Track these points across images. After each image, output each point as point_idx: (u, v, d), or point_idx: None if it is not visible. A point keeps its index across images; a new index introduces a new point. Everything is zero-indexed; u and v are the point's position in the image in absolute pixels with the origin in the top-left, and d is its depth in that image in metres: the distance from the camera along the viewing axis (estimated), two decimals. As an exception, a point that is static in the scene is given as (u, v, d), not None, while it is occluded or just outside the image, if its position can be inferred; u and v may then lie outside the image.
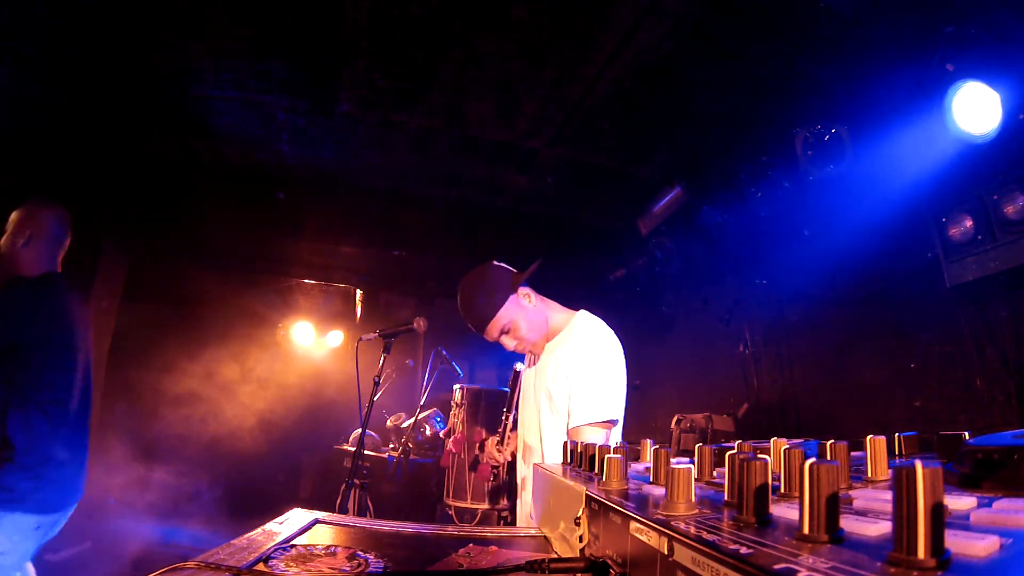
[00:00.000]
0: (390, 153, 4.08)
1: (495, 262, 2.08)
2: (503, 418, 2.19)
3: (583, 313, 2.07)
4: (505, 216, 5.02)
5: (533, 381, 2.08)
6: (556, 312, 2.09)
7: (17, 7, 2.71)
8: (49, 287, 2.29)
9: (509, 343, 2.03)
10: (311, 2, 2.68)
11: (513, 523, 2.46)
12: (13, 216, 2.34)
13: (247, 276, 5.92)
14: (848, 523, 0.42)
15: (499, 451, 2.17)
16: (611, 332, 2.00)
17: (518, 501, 2.13)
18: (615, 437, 1.92)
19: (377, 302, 6.30)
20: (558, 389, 1.92)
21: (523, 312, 2.00)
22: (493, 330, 1.99)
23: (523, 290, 2.02)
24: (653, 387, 4.84)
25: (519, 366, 2.18)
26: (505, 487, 2.74)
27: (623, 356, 1.98)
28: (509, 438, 2.18)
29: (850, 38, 2.55)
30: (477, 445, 2.70)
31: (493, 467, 2.25)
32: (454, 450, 2.71)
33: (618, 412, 1.88)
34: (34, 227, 2.33)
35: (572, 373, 1.90)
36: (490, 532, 1.16)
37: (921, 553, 0.32)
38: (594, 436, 1.82)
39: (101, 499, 4.64)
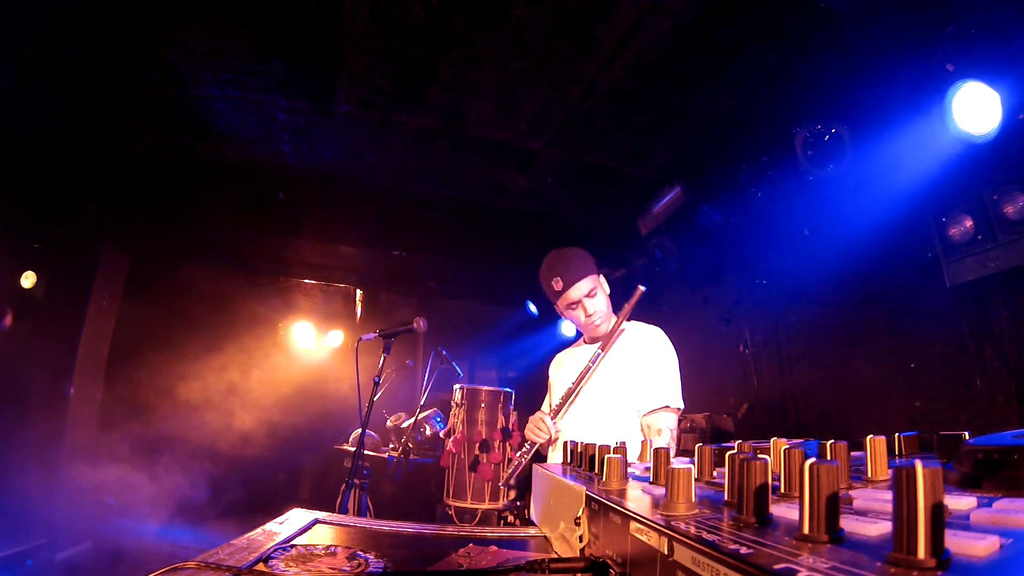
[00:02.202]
0: (390, 153, 4.08)
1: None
2: (570, 390, 2.10)
3: (637, 322, 2.21)
4: (505, 216, 5.02)
5: (595, 379, 2.10)
6: (613, 316, 2.20)
7: (17, 8, 2.71)
8: None
9: (589, 307, 2.11)
10: (311, 2, 2.68)
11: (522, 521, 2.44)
12: None
13: (247, 276, 5.92)
14: (848, 523, 0.42)
15: (552, 423, 2.08)
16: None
17: None
18: None
19: (377, 302, 6.30)
20: (622, 383, 2.07)
21: (603, 290, 2.18)
22: (583, 286, 2.09)
23: (603, 279, 2.19)
24: (653, 387, 4.83)
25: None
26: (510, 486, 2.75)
27: None
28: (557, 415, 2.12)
29: (850, 38, 2.55)
30: (477, 445, 2.71)
31: (528, 444, 2.13)
32: (454, 450, 2.71)
33: (682, 403, 2.09)
34: None
35: (642, 367, 2.06)
36: (490, 532, 1.16)
37: (921, 553, 0.32)
38: (668, 420, 2.03)
39: (101, 499, 4.65)
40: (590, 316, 2.13)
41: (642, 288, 2.04)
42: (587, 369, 2.07)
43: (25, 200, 4.16)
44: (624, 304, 2.08)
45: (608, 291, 2.20)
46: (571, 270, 2.11)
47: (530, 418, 2.16)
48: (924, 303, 2.79)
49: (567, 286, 2.11)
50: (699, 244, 4.07)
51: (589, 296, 2.12)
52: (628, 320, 2.13)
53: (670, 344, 2.17)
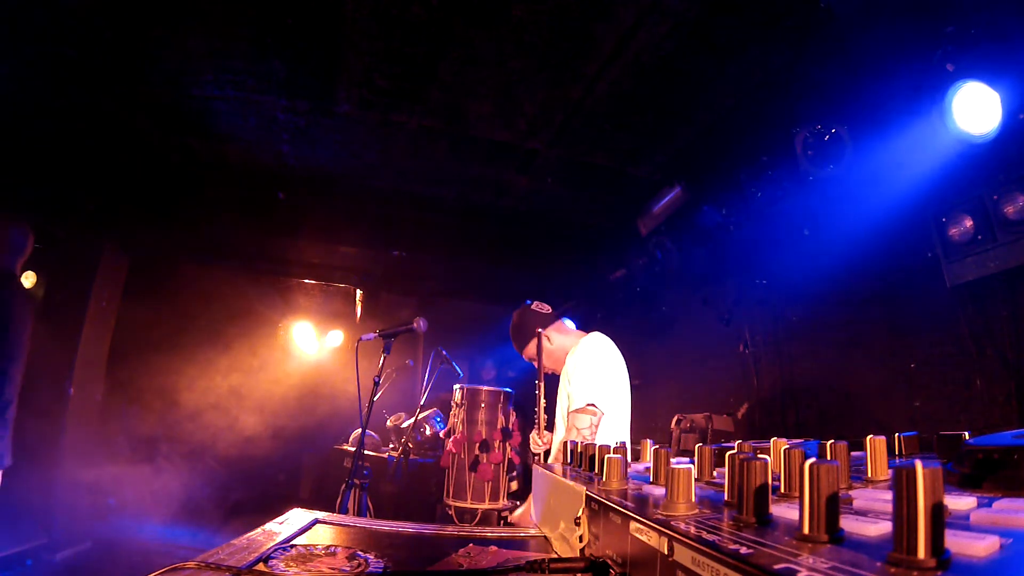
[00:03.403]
0: (390, 153, 4.08)
1: (530, 305, 2.70)
2: (536, 407, 2.58)
3: (591, 334, 2.58)
4: (505, 216, 5.03)
5: (560, 388, 2.62)
6: (571, 339, 2.63)
7: (17, 8, 2.71)
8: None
9: (536, 365, 2.60)
10: (311, 2, 2.68)
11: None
12: None
13: (247, 276, 5.92)
14: (848, 523, 0.42)
15: (539, 436, 2.52)
16: (609, 345, 2.53)
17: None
18: (615, 429, 2.40)
19: (377, 302, 6.30)
20: (564, 396, 2.47)
21: (543, 348, 2.56)
22: (524, 357, 2.69)
23: (544, 332, 2.57)
24: (653, 387, 4.84)
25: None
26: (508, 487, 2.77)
27: (619, 363, 2.51)
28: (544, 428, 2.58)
29: (850, 38, 2.55)
30: (477, 445, 2.71)
31: (534, 453, 2.61)
32: (454, 450, 2.71)
33: (601, 400, 2.34)
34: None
35: (570, 375, 2.45)
36: (490, 532, 1.16)
37: (921, 553, 0.32)
38: (581, 421, 2.30)
39: (101, 499, 4.65)
40: (539, 370, 2.61)
41: (540, 329, 2.56)
42: (537, 392, 2.56)
43: (25, 200, 4.16)
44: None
45: (555, 336, 2.63)
46: (515, 346, 2.70)
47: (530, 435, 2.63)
48: (924, 303, 2.79)
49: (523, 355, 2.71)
50: (699, 244, 4.07)
51: (532, 360, 2.61)
52: (589, 333, 2.61)
53: (593, 349, 2.50)
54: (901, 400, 2.86)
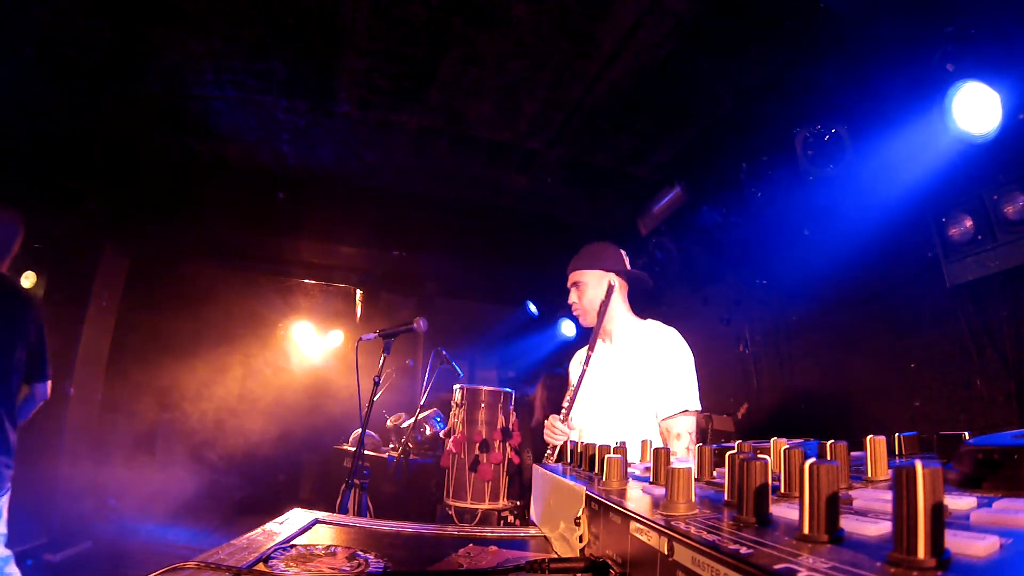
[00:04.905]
0: (390, 153, 4.09)
1: (618, 248, 2.34)
2: (568, 396, 2.19)
3: (655, 321, 2.26)
4: (505, 216, 5.03)
5: (602, 374, 2.21)
6: (627, 316, 2.30)
7: (17, 8, 2.71)
8: None
9: (572, 296, 2.30)
10: (311, 2, 2.68)
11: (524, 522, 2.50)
12: None
13: (247, 276, 5.93)
14: (848, 523, 0.42)
15: (567, 425, 2.11)
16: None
17: None
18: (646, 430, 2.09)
19: (377, 302, 6.30)
20: (637, 383, 2.09)
21: (600, 290, 2.21)
22: (573, 276, 2.30)
23: (617, 280, 2.24)
24: (653, 387, 4.83)
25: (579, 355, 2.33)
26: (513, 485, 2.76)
27: None
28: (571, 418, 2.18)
29: (850, 38, 2.55)
30: (477, 445, 2.70)
31: (552, 445, 2.16)
32: (454, 450, 2.71)
33: (699, 404, 2.06)
34: None
35: (659, 369, 2.07)
36: (490, 532, 1.16)
37: (921, 553, 0.32)
38: (687, 424, 2.02)
39: (101, 499, 4.65)
40: (571, 303, 2.32)
41: (611, 282, 2.20)
42: (583, 372, 2.13)
43: (25, 200, 4.16)
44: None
45: (611, 291, 2.20)
46: (576, 260, 2.33)
47: (545, 423, 2.19)
48: (924, 303, 2.79)
49: (568, 271, 2.34)
50: (699, 244, 4.07)
51: (577, 286, 2.28)
52: (645, 320, 2.27)
53: (687, 346, 2.16)
54: (901, 400, 2.86)
